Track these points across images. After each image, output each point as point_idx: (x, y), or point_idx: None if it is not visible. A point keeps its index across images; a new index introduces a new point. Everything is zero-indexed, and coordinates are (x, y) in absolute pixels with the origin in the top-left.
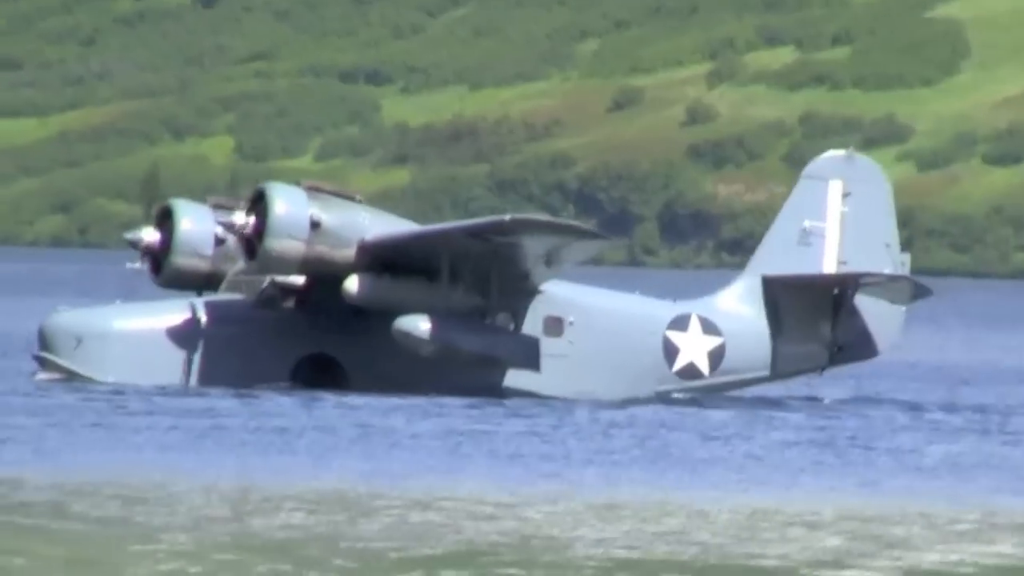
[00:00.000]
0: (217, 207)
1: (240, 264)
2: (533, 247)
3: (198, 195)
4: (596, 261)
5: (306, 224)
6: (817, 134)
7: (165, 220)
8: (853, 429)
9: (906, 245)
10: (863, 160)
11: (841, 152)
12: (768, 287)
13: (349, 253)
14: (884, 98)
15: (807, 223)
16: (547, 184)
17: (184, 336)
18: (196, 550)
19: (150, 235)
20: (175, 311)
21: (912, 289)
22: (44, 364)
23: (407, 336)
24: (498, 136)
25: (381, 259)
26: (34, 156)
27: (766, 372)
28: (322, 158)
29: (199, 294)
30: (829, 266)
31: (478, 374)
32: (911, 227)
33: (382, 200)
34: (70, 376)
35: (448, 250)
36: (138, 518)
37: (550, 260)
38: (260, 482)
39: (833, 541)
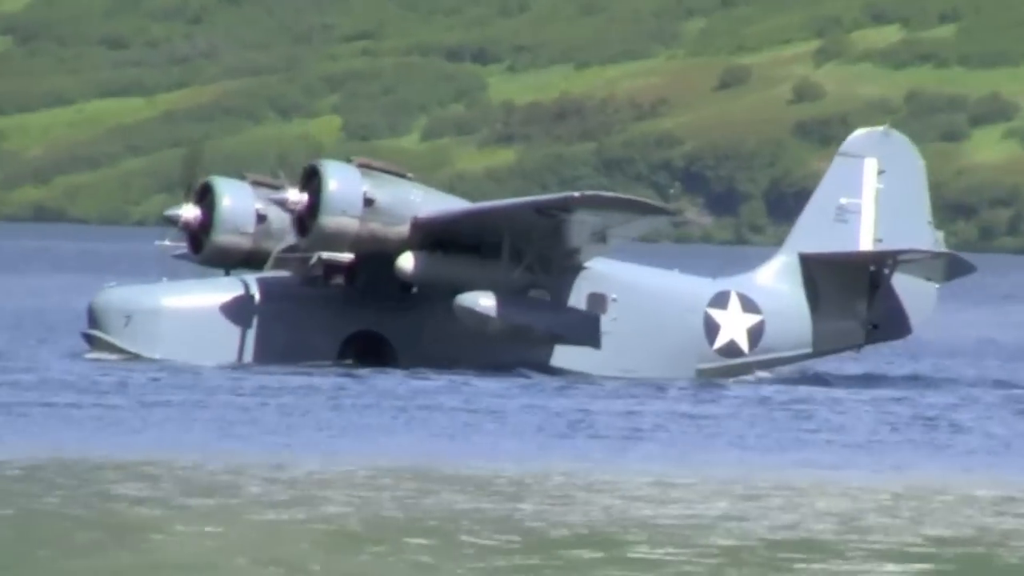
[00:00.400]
0: (256, 184)
1: (287, 241)
2: (596, 223)
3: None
4: (704, 239)
5: (360, 201)
6: (923, 112)
7: (204, 197)
8: (936, 408)
9: (1013, 224)
10: (898, 136)
11: (878, 129)
12: (805, 264)
13: (402, 230)
14: (990, 76)
15: (843, 200)
16: (654, 163)
17: (234, 313)
18: (384, 533)
19: (189, 212)
20: (224, 288)
21: (952, 266)
22: (93, 342)
23: (471, 313)
24: (604, 115)
25: (434, 236)
26: (140, 135)
27: (805, 350)
28: (428, 137)
29: (226, 272)
30: (865, 243)
31: (526, 351)
32: (1017, 205)
33: (488, 179)
34: (119, 354)
35: (510, 226)
36: (307, 499)
37: (606, 236)
38: (397, 463)
39: (1003, 520)
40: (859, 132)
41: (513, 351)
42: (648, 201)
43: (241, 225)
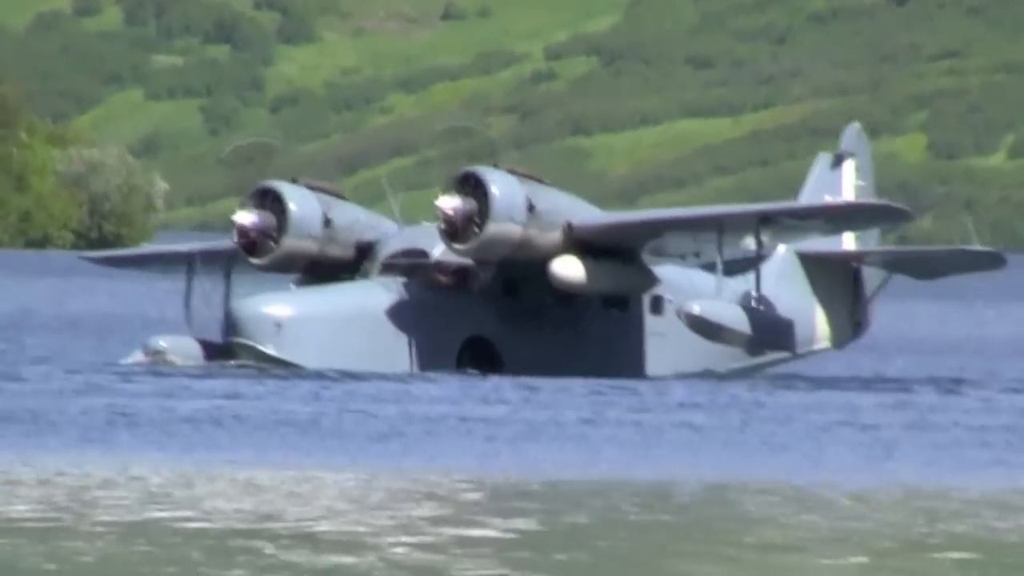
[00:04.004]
0: (312, 189)
1: (394, 246)
2: (826, 229)
3: (893, 194)
4: None
5: (524, 207)
6: None
7: (263, 202)
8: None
9: None
10: (863, 134)
11: (855, 126)
12: (804, 262)
13: (556, 236)
14: None
15: (828, 198)
16: None
17: (380, 319)
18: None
19: (247, 217)
20: (365, 293)
21: (992, 261)
22: (239, 351)
23: (707, 324)
24: None
25: (584, 242)
26: (727, 155)
27: (815, 346)
28: (1016, 155)
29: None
30: (848, 241)
31: (618, 355)
32: None
33: None
34: (268, 362)
35: (718, 233)
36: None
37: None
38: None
39: None
40: (848, 129)
41: (610, 355)
42: (902, 207)
43: (311, 229)
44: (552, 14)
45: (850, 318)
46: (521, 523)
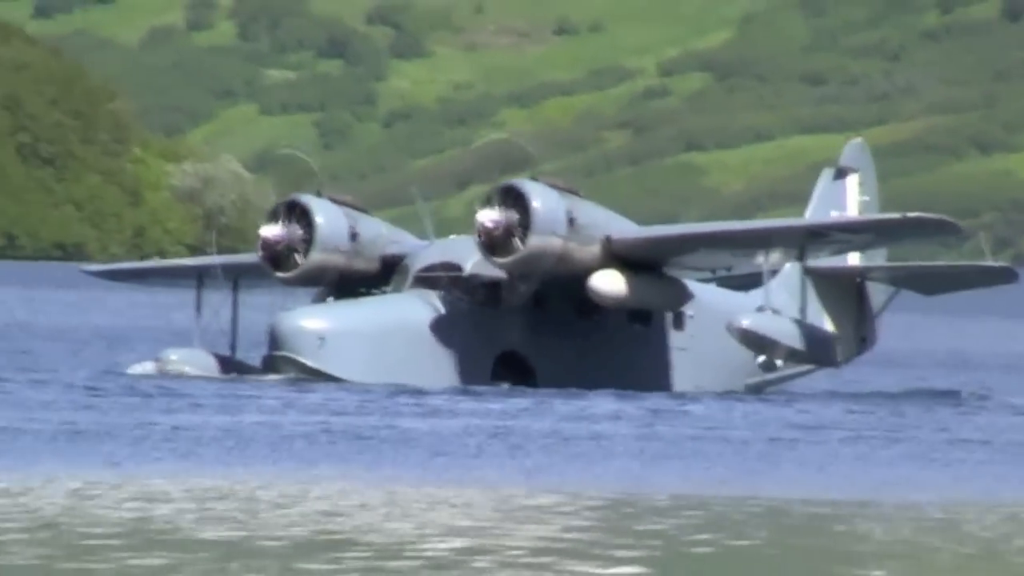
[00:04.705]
0: (337, 203)
1: (426, 259)
2: (873, 243)
3: (1007, 211)
4: None
5: (565, 220)
6: None
7: (288, 216)
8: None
9: None
10: (865, 148)
11: (857, 140)
12: (812, 278)
13: (594, 250)
14: None
15: (834, 214)
16: None
17: (423, 333)
18: None
19: (273, 231)
20: (405, 307)
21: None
22: (281, 364)
23: (758, 337)
24: None
25: (621, 256)
26: None
27: (823, 363)
28: None
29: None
30: (853, 256)
31: (649, 369)
32: None
33: None
34: (311, 376)
35: (765, 247)
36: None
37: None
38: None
39: None
40: (848, 145)
41: (637, 370)
42: (952, 220)
43: (338, 243)
44: (664, 30)
45: (856, 333)
46: (678, 543)
